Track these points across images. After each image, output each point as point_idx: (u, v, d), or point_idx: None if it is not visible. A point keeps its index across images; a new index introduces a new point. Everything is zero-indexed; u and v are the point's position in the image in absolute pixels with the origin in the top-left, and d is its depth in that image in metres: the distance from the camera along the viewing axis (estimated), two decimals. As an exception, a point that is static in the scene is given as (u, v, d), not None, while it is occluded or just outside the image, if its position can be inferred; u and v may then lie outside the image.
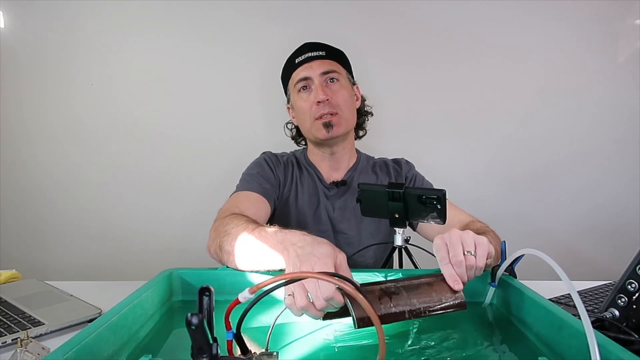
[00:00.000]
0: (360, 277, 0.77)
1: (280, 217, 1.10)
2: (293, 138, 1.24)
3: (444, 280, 0.64)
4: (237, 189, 1.06)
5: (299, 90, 1.08)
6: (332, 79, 1.07)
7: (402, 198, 0.70)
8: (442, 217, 0.70)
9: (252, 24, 1.62)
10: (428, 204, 0.69)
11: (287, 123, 1.24)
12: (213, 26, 1.62)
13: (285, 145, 1.24)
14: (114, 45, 1.61)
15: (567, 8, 1.65)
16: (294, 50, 1.12)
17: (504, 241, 0.77)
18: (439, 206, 0.68)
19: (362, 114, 1.19)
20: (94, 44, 1.61)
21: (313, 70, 1.06)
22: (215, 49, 1.63)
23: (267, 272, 0.74)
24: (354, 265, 0.84)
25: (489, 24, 1.66)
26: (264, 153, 1.16)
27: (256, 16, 1.62)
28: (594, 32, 1.67)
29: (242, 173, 1.11)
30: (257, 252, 0.72)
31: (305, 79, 1.06)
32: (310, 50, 1.07)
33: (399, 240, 0.77)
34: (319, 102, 1.04)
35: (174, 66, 1.63)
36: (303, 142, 1.23)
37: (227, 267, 0.80)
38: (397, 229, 0.77)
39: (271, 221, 1.12)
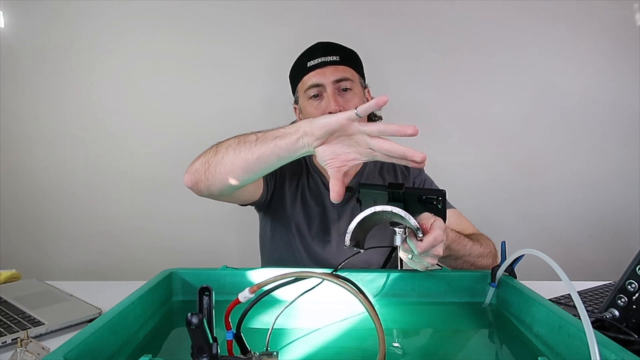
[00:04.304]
0: (361, 278, 0.77)
1: (282, 225, 1.08)
2: None
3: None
4: None
5: (310, 96, 1.04)
6: (345, 86, 1.03)
7: (402, 198, 0.70)
8: (442, 217, 0.70)
9: (258, 21, 1.62)
10: (428, 204, 0.69)
11: (293, 122, 1.23)
12: (217, 24, 1.62)
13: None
14: (115, 45, 1.61)
15: (570, 9, 1.65)
16: (299, 48, 1.08)
17: (504, 241, 0.77)
18: (439, 206, 0.68)
19: (372, 118, 1.16)
20: (95, 44, 1.60)
21: (326, 77, 1.01)
22: (219, 48, 1.63)
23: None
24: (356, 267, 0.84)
25: (496, 26, 1.66)
26: None
27: (263, 13, 1.61)
28: (595, 33, 1.67)
29: None
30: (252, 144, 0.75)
31: (317, 85, 1.02)
32: (324, 54, 1.03)
33: (398, 241, 0.77)
34: (330, 112, 0.99)
35: (176, 65, 1.63)
36: None
37: (213, 177, 0.81)
38: (396, 229, 0.77)
39: (272, 229, 1.11)
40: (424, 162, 0.60)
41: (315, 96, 1.04)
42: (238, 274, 0.77)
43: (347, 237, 0.64)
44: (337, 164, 0.66)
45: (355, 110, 0.60)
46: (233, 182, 0.80)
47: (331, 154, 0.66)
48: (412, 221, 0.63)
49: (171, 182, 1.65)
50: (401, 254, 0.73)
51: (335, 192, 0.66)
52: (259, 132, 0.77)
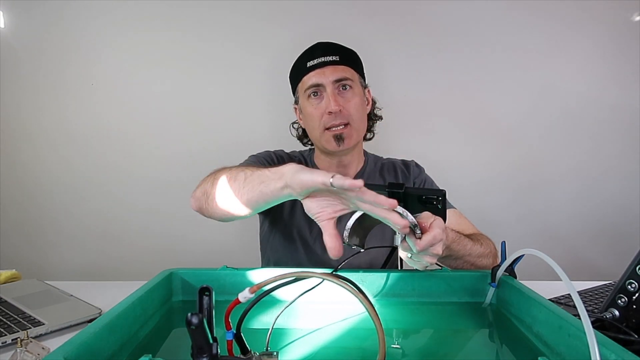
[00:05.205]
0: (361, 278, 0.77)
1: (282, 227, 1.08)
2: (299, 138, 1.23)
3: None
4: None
5: (310, 96, 1.05)
6: (345, 86, 1.03)
7: (403, 198, 0.70)
8: (442, 216, 0.70)
9: (259, 21, 1.62)
10: (428, 204, 0.69)
11: (293, 123, 1.23)
12: (217, 25, 1.62)
13: (289, 145, 1.23)
14: (115, 44, 1.61)
15: (571, 9, 1.65)
16: (299, 48, 1.08)
17: (504, 241, 0.77)
18: (439, 206, 0.68)
19: (372, 117, 1.16)
20: (95, 44, 1.60)
21: (326, 77, 1.02)
22: (219, 48, 1.63)
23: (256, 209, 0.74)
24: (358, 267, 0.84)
25: (496, 25, 1.66)
26: (276, 150, 1.14)
27: (263, 13, 1.61)
28: (595, 33, 1.67)
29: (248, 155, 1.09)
30: (249, 178, 0.71)
31: (317, 85, 1.03)
32: (324, 54, 1.03)
33: (398, 241, 0.77)
34: (330, 112, 1.00)
35: (176, 65, 1.63)
36: (309, 143, 1.21)
37: (214, 204, 0.79)
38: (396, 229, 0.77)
39: (272, 231, 1.11)
40: (406, 228, 0.59)
41: (314, 94, 1.04)
42: (238, 274, 0.77)
43: (345, 234, 0.64)
44: (325, 216, 0.63)
45: (331, 180, 0.55)
46: (229, 217, 0.80)
47: (317, 207, 0.63)
48: (409, 217, 0.63)
49: (171, 182, 1.65)
50: (401, 253, 0.73)
51: (333, 249, 0.59)
52: (247, 169, 0.74)
